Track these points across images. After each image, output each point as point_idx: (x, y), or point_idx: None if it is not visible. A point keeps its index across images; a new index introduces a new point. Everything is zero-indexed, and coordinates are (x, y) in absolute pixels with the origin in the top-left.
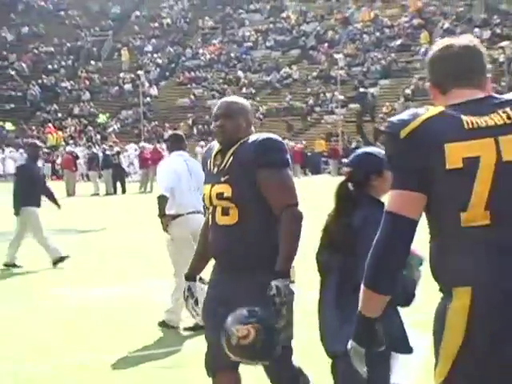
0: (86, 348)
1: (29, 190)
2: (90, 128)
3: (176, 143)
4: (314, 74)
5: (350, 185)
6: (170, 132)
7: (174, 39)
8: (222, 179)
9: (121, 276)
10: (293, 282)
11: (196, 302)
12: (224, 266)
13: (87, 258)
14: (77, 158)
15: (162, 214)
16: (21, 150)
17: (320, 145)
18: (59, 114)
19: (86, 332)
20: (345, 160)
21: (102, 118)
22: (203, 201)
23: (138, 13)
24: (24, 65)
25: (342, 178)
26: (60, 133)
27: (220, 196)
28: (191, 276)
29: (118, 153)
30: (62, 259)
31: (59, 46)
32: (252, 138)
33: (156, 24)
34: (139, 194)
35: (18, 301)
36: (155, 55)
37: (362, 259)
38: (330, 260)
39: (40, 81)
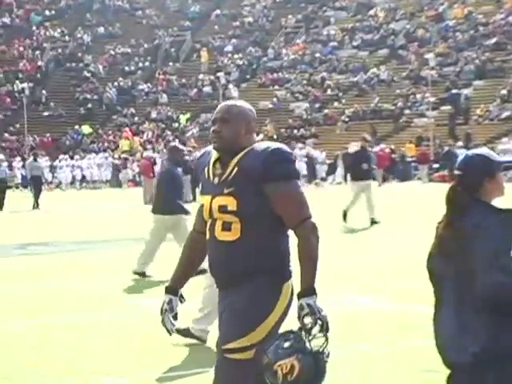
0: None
1: (172, 196)
2: (168, 132)
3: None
4: (404, 74)
5: (459, 189)
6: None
7: (255, 39)
8: (226, 191)
9: None
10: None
11: (175, 317)
12: (222, 284)
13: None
14: (154, 163)
15: None
16: (105, 155)
17: (410, 149)
18: (136, 118)
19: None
20: (436, 165)
21: (182, 119)
22: (200, 212)
23: (218, 11)
24: (100, 66)
25: (433, 185)
26: (136, 138)
27: (223, 209)
28: (173, 289)
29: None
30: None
31: (136, 47)
32: (258, 147)
33: (237, 23)
34: None
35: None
36: (236, 56)
37: (482, 273)
38: (445, 269)
39: (116, 83)
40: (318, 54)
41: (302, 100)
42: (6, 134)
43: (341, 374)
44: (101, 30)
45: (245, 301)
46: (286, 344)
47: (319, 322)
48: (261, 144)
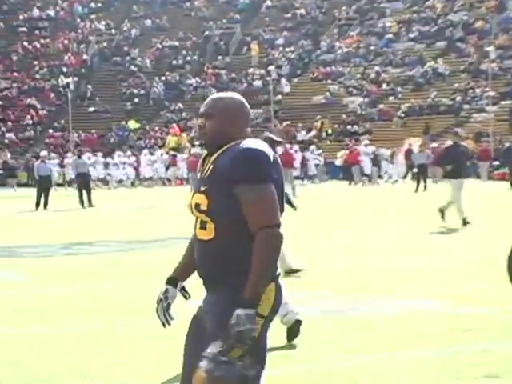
0: None
1: None
2: None
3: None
4: (462, 67)
5: None
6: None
7: (307, 31)
8: (201, 189)
9: None
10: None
11: (168, 307)
12: (204, 285)
13: None
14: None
15: None
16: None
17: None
18: (184, 114)
19: None
20: (496, 162)
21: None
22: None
23: (268, 3)
24: (147, 60)
25: (494, 183)
26: (184, 134)
27: (197, 208)
28: (173, 280)
29: None
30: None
31: (184, 40)
32: (236, 145)
33: (288, 15)
34: None
35: None
36: (287, 49)
37: None
38: None
39: (164, 77)
40: (372, 47)
41: (355, 95)
42: (51, 130)
43: (395, 380)
44: (148, 22)
45: (223, 305)
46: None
47: (237, 336)
48: (243, 142)
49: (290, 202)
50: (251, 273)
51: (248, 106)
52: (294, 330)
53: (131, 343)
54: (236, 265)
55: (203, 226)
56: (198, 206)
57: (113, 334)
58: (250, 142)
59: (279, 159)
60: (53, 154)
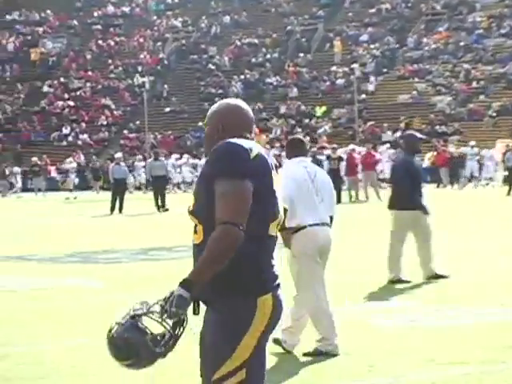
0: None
1: (409, 189)
2: (299, 129)
3: (294, 149)
4: None
5: None
6: (291, 137)
7: (393, 27)
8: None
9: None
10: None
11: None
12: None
13: None
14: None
15: (280, 228)
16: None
17: None
18: (264, 114)
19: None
20: None
21: (318, 112)
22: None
23: None
24: (225, 58)
25: None
26: (263, 135)
27: (188, 210)
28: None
29: (340, 158)
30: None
31: (264, 37)
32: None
33: (373, 10)
34: (350, 203)
35: None
36: (372, 46)
37: None
38: None
39: (243, 76)
40: (462, 43)
41: (444, 93)
42: (125, 132)
43: None
44: (226, 18)
45: (218, 319)
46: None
47: (160, 311)
48: (226, 140)
49: (423, 207)
50: (201, 258)
51: (246, 111)
52: (274, 341)
53: None
54: (227, 273)
55: (195, 230)
56: (188, 208)
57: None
58: (231, 139)
59: (358, 161)
60: (139, 156)
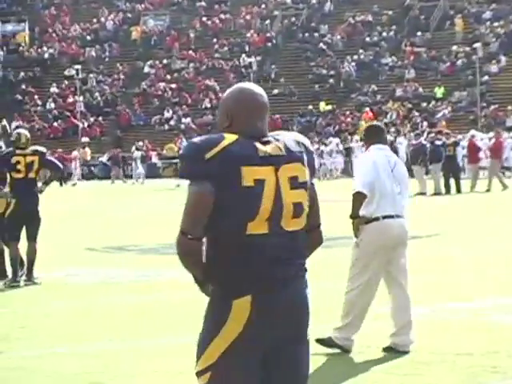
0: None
1: None
2: (416, 113)
3: (374, 136)
4: None
5: None
6: (369, 123)
7: None
8: None
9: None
10: None
11: None
12: None
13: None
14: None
15: (354, 215)
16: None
17: None
18: (378, 96)
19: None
20: None
21: (438, 93)
22: None
23: None
24: (338, 37)
25: None
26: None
27: None
28: None
29: (455, 143)
30: None
31: (379, 15)
32: None
33: None
34: (473, 193)
35: None
36: (496, 24)
37: None
38: None
39: (356, 56)
40: None
41: None
42: None
43: None
44: None
45: (204, 318)
46: None
47: None
48: None
49: None
50: None
51: (256, 98)
52: (327, 343)
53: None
54: (210, 273)
55: None
56: None
57: None
58: (194, 139)
59: (482, 148)
60: None
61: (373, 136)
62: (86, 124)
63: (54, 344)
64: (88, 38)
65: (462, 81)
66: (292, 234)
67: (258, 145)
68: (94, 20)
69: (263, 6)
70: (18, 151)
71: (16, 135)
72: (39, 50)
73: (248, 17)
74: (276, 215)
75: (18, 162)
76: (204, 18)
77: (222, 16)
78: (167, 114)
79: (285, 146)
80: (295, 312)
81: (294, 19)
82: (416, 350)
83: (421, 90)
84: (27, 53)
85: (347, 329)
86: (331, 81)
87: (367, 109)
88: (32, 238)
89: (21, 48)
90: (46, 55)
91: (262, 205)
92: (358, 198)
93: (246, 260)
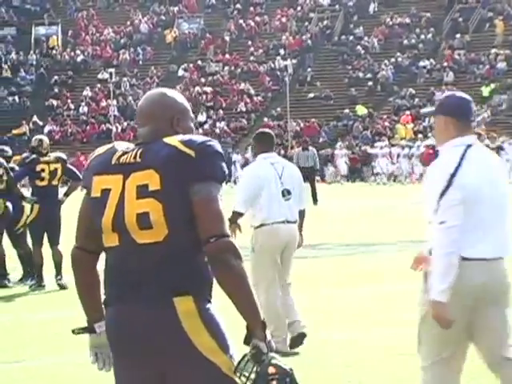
0: None
1: None
2: None
3: (261, 144)
4: None
5: None
6: (257, 131)
7: None
8: None
9: None
10: None
11: None
12: None
13: None
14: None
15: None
16: None
17: None
18: (416, 100)
19: None
20: None
21: (485, 92)
22: None
23: None
24: (375, 40)
25: None
26: (410, 125)
27: None
28: None
29: (500, 147)
30: None
31: (417, 17)
32: None
33: None
34: None
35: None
36: None
37: None
38: None
39: (393, 59)
40: None
41: None
42: (266, 119)
43: None
44: None
45: None
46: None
47: None
48: None
49: None
50: None
51: (139, 103)
52: (296, 341)
53: (362, 356)
54: None
55: None
56: None
57: (341, 346)
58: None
59: None
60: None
61: (260, 144)
62: (119, 128)
63: None
64: (121, 41)
65: (503, 83)
66: (145, 246)
67: (118, 153)
68: (128, 23)
69: (299, 8)
70: (41, 159)
71: (38, 141)
72: (72, 53)
73: (283, 19)
74: (121, 226)
75: (43, 170)
76: (239, 21)
77: (258, 18)
78: (201, 118)
79: (143, 153)
80: (144, 341)
81: (329, 22)
82: None
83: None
84: (60, 56)
85: (276, 333)
86: (369, 84)
87: (407, 112)
88: (55, 242)
89: (54, 51)
90: (79, 59)
91: (104, 215)
92: (234, 217)
93: (106, 273)
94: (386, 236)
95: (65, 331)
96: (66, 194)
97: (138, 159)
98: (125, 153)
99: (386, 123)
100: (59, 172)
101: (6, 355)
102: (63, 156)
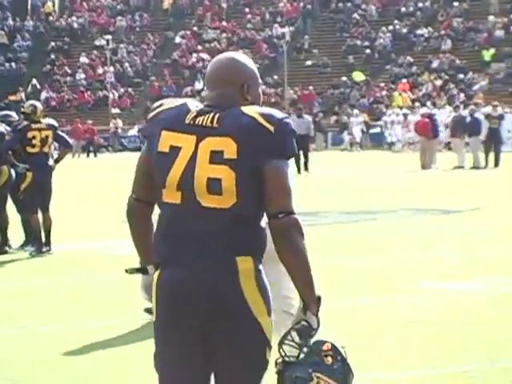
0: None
1: None
2: (452, 85)
3: None
4: None
5: None
6: None
7: None
8: None
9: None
10: None
11: None
12: None
13: (460, 246)
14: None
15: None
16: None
17: None
18: (414, 68)
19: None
20: None
21: (486, 56)
22: None
23: None
24: (372, 7)
25: None
26: (409, 93)
27: None
28: None
29: (501, 116)
30: None
31: None
32: None
33: None
34: None
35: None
36: None
37: None
38: None
39: (391, 27)
40: None
41: None
42: (263, 87)
43: None
44: None
45: None
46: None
47: None
48: None
49: None
50: None
51: (209, 66)
52: None
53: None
54: None
55: None
56: None
57: (343, 314)
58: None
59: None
60: None
61: None
62: (116, 95)
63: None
64: (118, 7)
65: (500, 52)
66: (209, 210)
67: (192, 113)
68: None
69: None
70: (33, 125)
71: (32, 108)
72: (69, 19)
73: None
74: (186, 186)
75: (34, 137)
76: None
77: None
78: (198, 85)
79: (220, 119)
80: (202, 299)
81: None
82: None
83: (457, 61)
84: (57, 22)
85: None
86: (366, 52)
87: (404, 80)
88: (46, 208)
89: (50, 18)
90: (76, 25)
91: (170, 172)
92: None
93: (161, 229)
94: (375, 204)
95: (75, 297)
96: (57, 161)
97: (216, 124)
98: (199, 114)
99: (384, 92)
100: (50, 139)
101: (12, 321)
102: (54, 123)
